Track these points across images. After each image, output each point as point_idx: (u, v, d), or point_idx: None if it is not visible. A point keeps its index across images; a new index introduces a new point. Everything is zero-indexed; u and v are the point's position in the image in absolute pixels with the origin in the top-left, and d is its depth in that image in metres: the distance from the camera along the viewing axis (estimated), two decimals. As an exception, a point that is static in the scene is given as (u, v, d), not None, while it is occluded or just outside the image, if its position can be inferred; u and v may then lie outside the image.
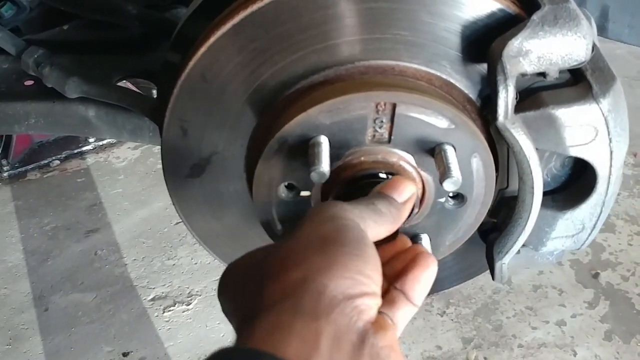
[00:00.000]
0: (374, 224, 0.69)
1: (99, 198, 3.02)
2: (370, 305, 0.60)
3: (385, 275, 0.68)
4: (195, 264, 2.63)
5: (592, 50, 0.78)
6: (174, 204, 0.95)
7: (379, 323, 0.60)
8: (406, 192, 0.75)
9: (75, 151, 3.26)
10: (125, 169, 3.17)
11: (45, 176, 3.18)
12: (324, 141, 0.79)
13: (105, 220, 2.90)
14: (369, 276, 0.61)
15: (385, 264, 0.69)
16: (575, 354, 2.25)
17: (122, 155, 3.24)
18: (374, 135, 0.81)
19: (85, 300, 2.54)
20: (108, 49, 1.32)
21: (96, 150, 3.27)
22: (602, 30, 1.34)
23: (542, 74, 0.79)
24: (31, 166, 3.20)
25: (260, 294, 0.61)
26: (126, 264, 2.68)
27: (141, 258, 2.70)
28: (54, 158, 3.22)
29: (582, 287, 2.48)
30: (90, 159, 3.25)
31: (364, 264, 0.62)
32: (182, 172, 0.92)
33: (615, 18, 1.31)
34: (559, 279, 2.49)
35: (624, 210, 2.73)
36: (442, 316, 2.38)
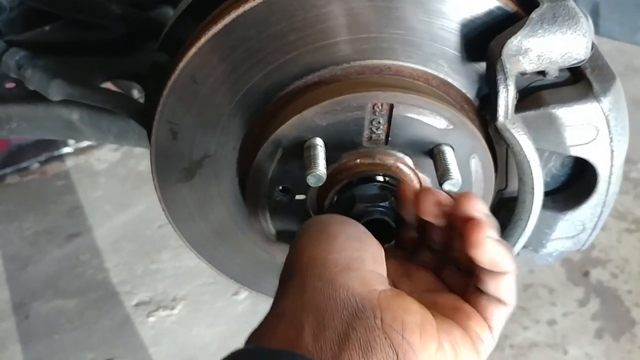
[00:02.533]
0: None
1: (80, 201, 2.97)
2: (358, 259, 0.63)
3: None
4: (179, 267, 2.59)
5: (592, 48, 0.77)
6: (163, 210, 0.92)
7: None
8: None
9: (55, 154, 3.20)
10: (106, 172, 3.12)
11: (24, 179, 3.12)
12: (320, 143, 0.78)
13: (86, 224, 2.85)
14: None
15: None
16: (566, 353, 2.25)
17: (103, 158, 3.19)
18: (370, 137, 0.79)
19: (67, 306, 2.49)
20: (92, 50, 1.28)
21: (76, 152, 3.21)
22: (593, 28, 1.34)
23: (542, 73, 0.77)
24: (10, 169, 3.13)
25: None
26: (109, 269, 2.63)
27: (124, 262, 2.65)
28: (33, 161, 3.16)
29: (572, 285, 2.48)
30: (70, 162, 3.19)
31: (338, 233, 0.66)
32: (173, 176, 0.89)
33: (606, 15, 1.30)
34: (549, 278, 2.49)
35: (613, 206, 2.73)
36: (431, 316, 2.37)
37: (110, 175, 3.09)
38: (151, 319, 2.42)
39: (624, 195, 2.78)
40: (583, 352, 2.24)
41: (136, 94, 1.96)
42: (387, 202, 0.79)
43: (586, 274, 2.51)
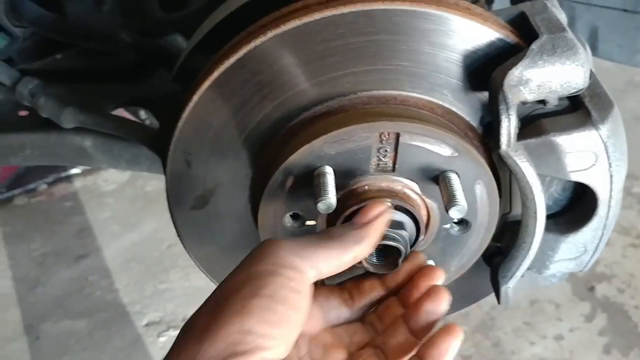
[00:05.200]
0: (324, 254, 0.70)
1: (88, 222, 2.99)
2: (259, 346, 0.60)
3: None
4: (189, 287, 2.60)
5: (590, 77, 0.80)
6: (178, 236, 0.95)
7: None
8: (370, 213, 0.76)
9: (63, 175, 3.23)
10: (114, 192, 3.14)
11: (32, 201, 3.14)
12: (329, 171, 0.80)
13: (95, 244, 2.87)
14: (257, 333, 0.61)
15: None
16: (574, 369, 2.26)
17: (111, 179, 3.21)
18: (378, 164, 0.82)
19: (77, 327, 2.50)
20: (103, 77, 1.31)
21: (84, 173, 3.24)
22: (592, 50, 1.36)
23: (542, 102, 0.80)
24: (18, 191, 3.16)
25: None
26: (118, 289, 2.65)
27: (133, 283, 2.67)
28: (40, 182, 3.19)
29: (578, 300, 2.48)
30: (78, 183, 3.22)
31: (252, 319, 0.61)
32: (187, 203, 0.92)
33: (605, 38, 1.33)
34: (555, 293, 2.50)
35: (617, 222, 2.73)
36: (438, 334, 2.38)
37: (118, 196, 3.12)
38: (162, 339, 2.43)
39: (627, 210, 2.79)
40: (592, 367, 2.25)
41: (142, 115, 1.99)
42: (405, 232, 0.82)
43: (592, 289, 2.52)
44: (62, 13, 1.28)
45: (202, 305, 0.67)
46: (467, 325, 2.40)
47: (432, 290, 0.77)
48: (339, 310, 0.81)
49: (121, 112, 1.51)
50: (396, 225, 0.82)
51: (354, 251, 0.73)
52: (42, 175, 3.20)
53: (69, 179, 3.25)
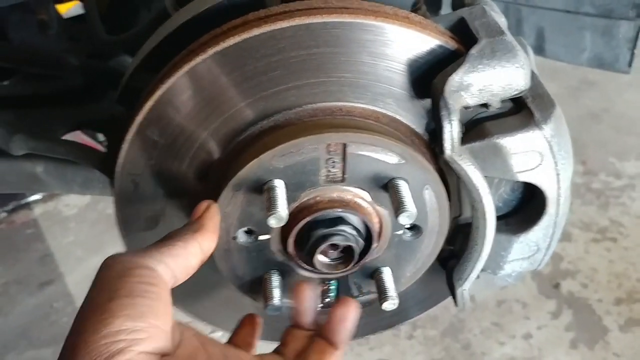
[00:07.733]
0: (168, 251, 0.71)
1: (51, 248, 2.94)
2: (131, 342, 0.60)
3: None
4: (155, 309, 2.56)
5: (532, 78, 0.81)
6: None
7: None
8: (199, 208, 0.78)
9: (22, 202, 3.16)
10: (76, 217, 3.09)
11: (-8, 230, 3.08)
12: (279, 185, 0.80)
13: (58, 271, 2.82)
14: (125, 330, 0.60)
15: None
16: (543, 366, 2.28)
17: (72, 203, 3.16)
18: (327, 175, 0.82)
19: (42, 356, 2.44)
20: (52, 102, 1.29)
21: (44, 199, 3.18)
22: (539, 51, 1.39)
23: (485, 105, 0.81)
24: (-23, 221, 3.09)
25: None
26: (84, 315, 2.59)
27: (99, 307, 2.62)
28: (0, 211, 3.13)
29: (544, 298, 2.52)
30: (38, 209, 3.16)
31: (116, 320, 0.60)
32: (137, 225, 0.91)
33: (551, 39, 1.36)
34: (521, 292, 2.53)
35: (578, 218, 2.78)
36: (410, 340, 2.39)
37: (80, 220, 3.07)
38: (129, 363, 2.39)
39: (588, 206, 2.85)
40: (560, 363, 2.28)
41: (101, 137, 1.96)
42: (347, 226, 0.82)
43: (557, 286, 2.56)
44: (6, 39, 1.26)
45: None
46: (436, 329, 2.41)
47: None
48: None
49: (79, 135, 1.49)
50: (334, 222, 0.83)
51: (196, 240, 0.74)
52: (2, 203, 3.13)
53: (29, 205, 3.19)
